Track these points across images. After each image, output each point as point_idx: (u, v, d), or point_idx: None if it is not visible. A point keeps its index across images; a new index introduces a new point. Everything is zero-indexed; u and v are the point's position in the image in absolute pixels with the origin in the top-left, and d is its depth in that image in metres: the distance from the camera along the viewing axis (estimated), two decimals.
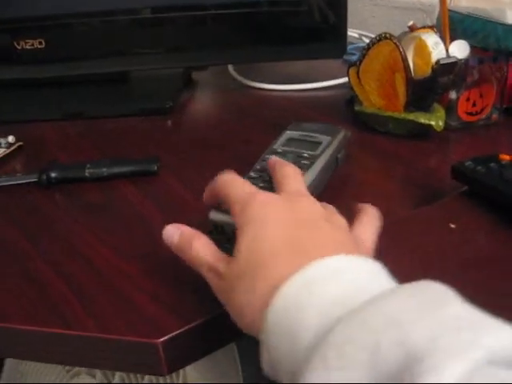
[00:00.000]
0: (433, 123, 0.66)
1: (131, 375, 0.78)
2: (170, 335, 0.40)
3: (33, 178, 0.62)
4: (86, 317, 0.43)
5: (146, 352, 0.41)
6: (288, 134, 0.58)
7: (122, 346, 0.41)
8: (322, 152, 0.55)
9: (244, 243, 0.38)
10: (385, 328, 0.28)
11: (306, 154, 0.54)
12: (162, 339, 0.40)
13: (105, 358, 0.43)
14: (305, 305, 0.32)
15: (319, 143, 0.56)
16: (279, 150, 0.55)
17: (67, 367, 0.85)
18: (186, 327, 0.41)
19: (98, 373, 0.82)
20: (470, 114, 0.71)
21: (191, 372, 0.72)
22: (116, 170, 0.62)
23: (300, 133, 0.58)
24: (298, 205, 0.41)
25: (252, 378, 0.73)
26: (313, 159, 0.54)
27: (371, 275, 0.34)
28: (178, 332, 0.40)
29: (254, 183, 0.45)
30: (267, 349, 0.34)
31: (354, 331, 0.29)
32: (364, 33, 1.06)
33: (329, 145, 0.56)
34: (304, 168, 0.52)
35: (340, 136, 0.58)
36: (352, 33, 1.04)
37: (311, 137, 0.57)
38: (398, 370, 0.26)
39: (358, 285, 0.33)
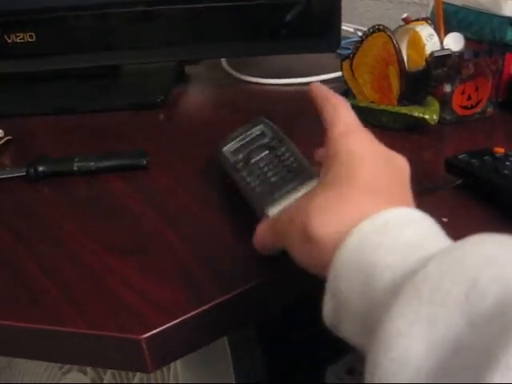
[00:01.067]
0: (427, 117, 0.65)
1: (122, 373, 0.78)
2: (154, 331, 0.39)
3: (21, 172, 0.61)
4: (71, 313, 0.42)
5: (129, 348, 0.40)
6: (226, 149, 0.56)
7: (107, 342, 0.40)
8: (274, 135, 0.54)
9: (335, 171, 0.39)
10: (482, 265, 0.27)
11: (266, 140, 0.53)
12: (145, 335, 0.39)
13: (89, 354, 0.42)
14: (383, 245, 0.32)
15: (261, 133, 0.55)
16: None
17: (59, 364, 0.84)
18: (171, 323, 0.40)
19: (89, 370, 0.82)
20: (465, 107, 0.70)
21: (183, 371, 0.71)
22: (105, 163, 0.61)
23: (235, 141, 0.56)
24: (377, 143, 0.43)
25: (244, 377, 0.73)
26: (280, 142, 0.53)
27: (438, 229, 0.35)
28: (162, 328, 0.40)
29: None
30: (334, 292, 0.33)
31: (450, 268, 0.28)
32: (359, 27, 1.04)
33: (270, 128, 0.55)
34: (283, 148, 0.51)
35: (264, 121, 0.56)
36: (347, 27, 1.03)
37: (248, 135, 0.55)
38: (495, 306, 0.26)
39: (434, 231, 0.34)
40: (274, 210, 0.45)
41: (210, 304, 0.41)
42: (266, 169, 0.50)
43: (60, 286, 0.45)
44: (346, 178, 0.38)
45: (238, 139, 0.55)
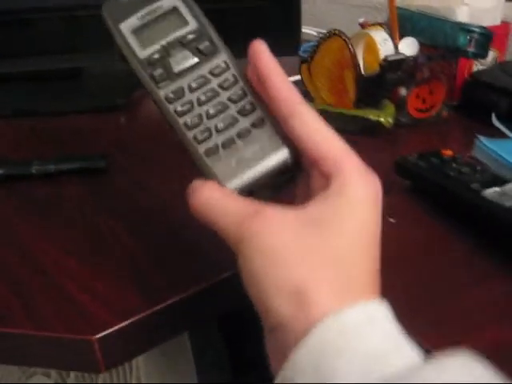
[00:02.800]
0: (382, 119, 0.67)
1: (86, 375, 0.78)
2: (106, 332, 0.40)
3: None
4: (22, 314, 0.42)
5: (81, 349, 0.40)
6: (124, 25, 0.40)
7: (58, 343, 0.41)
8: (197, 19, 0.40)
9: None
10: None
11: (188, 32, 0.39)
12: (97, 336, 0.39)
13: (42, 356, 0.42)
14: (344, 352, 0.29)
15: (174, 11, 0.40)
16: (154, 58, 0.39)
17: (23, 368, 0.84)
18: (123, 323, 0.40)
19: (53, 372, 0.82)
20: (420, 110, 0.72)
21: (145, 371, 0.71)
22: (63, 166, 0.61)
23: (137, 14, 0.40)
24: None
25: (206, 376, 0.74)
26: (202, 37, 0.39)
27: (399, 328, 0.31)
28: (114, 328, 0.40)
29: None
30: (287, 380, 0.30)
31: None
32: (322, 30, 1.06)
33: (191, 9, 0.40)
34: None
35: None
36: (309, 30, 1.05)
37: (156, 11, 0.40)
38: None
39: (397, 334, 0.31)
40: (233, 185, 0.36)
41: (162, 304, 0.42)
42: (203, 97, 0.38)
43: (12, 287, 0.45)
44: (334, 235, 0.32)
45: (138, 13, 0.40)
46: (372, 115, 0.67)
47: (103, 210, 0.55)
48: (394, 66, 0.65)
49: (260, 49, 0.38)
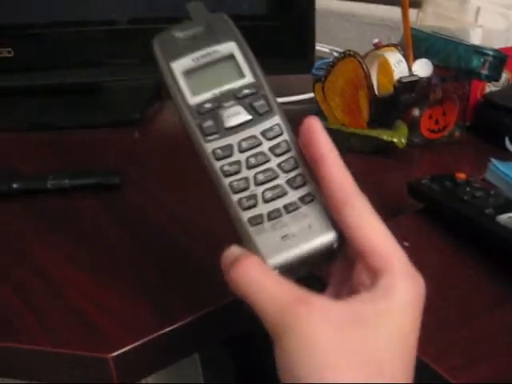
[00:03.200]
0: (395, 140, 0.67)
1: None
2: (122, 350, 0.40)
3: None
4: (38, 330, 0.43)
5: (97, 366, 0.41)
6: (177, 65, 0.37)
7: (74, 360, 0.41)
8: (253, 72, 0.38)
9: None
10: None
11: (243, 87, 0.37)
12: (113, 354, 0.40)
13: (56, 372, 0.43)
14: None
15: (230, 59, 0.38)
16: (203, 110, 0.37)
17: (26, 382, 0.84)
18: (138, 342, 0.41)
19: None
20: (433, 131, 0.72)
21: (152, 379, 0.72)
22: (78, 181, 0.62)
23: (192, 55, 0.38)
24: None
25: (212, 378, 0.74)
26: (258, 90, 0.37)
27: None
28: (129, 347, 0.41)
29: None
30: None
31: None
32: (335, 48, 1.07)
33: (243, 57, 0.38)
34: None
35: (234, 29, 0.40)
36: (323, 48, 1.05)
37: (210, 56, 0.38)
38: None
39: None
40: (276, 260, 0.34)
41: (178, 324, 0.42)
42: (252, 160, 0.36)
43: (28, 304, 0.45)
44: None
45: (193, 54, 0.38)
46: (385, 135, 0.67)
47: (117, 226, 0.56)
48: (408, 88, 0.65)
49: (314, 126, 0.36)
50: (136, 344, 0.41)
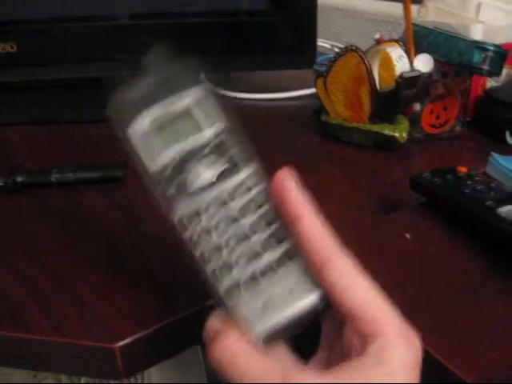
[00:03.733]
0: (397, 135, 0.68)
1: (97, 380, 0.78)
2: (128, 340, 0.41)
3: None
4: (43, 321, 0.43)
5: (103, 357, 0.41)
6: (132, 131, 0.34)
7: (80, 350, 0.42)
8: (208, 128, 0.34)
9: None
10: None
11: (209, 137, 0.34)
12: (119, 344, 0.40)
13: (62, 362, 0.43)
14: None
15: (189, 113, 0.34)
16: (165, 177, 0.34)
17: (33, 372, 0.85)
18: (143, 332, 0.41)
19: (64, 378, 0.82)
20: (434, 126, 0.73)
21: (155, 372, 0.72)
22: (82, 175, 0.63)
23: (148, 114, 0.34)
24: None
25: (216, 376, 0.74)
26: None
27: None
28: (135, 337, 0.41)
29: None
30: None
31: None
32: (336, 44, 1.07)
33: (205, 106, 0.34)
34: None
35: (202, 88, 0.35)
36: (324, 43, 1.06)
37: (168, 110, 0.34)
38: None
39: None
40: (260, 331, 0.32)
41: (182, 314, 0.43)
42: (221, 224, 0.33)
43: (34, 296, 0.46)
44: None
45: (150, 111, 0.34)
46: (387, 130, 0.68)
47: (121, 219, 0.56)
48: (410, 83, 0.66)
49: (287, 184, 0.33)
50: (141, 334, 0.41)
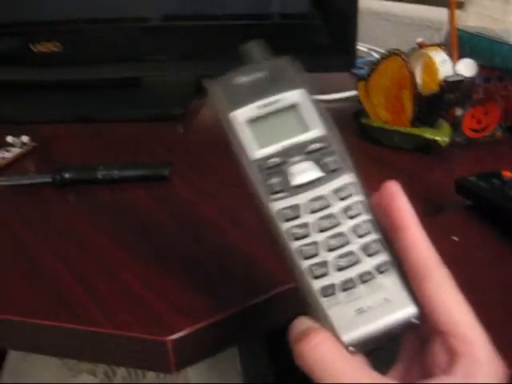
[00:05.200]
0: (438, 138, 0.68)
1: (133, 375, 0.80)
2: (180, 334, 0.42)
3: (47, 178, 0.64)
4: (97, 313, 0.44)
5: (155, 349, 0.42)
6: (237, 114, 0.35)
7: (133, 342, 0.43)
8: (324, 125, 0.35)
9: None
10: None
11: (313, 141, 0.34)
12: (171, 337, 0.41)
13: (115, 353, 0.44)
14: None
15: (296, 110, 0.35)
16: (268, 166, 0.34)
17: (69, 365, 0.86)
18: (196, 327, 0.42)
19: (99, 372, 0.84)
20: (475, 130, 0.73)
21: (193, 372, 0.73)
22: (128, 173, 0.64)
23: (255, 103, 0.35)
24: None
25: (253, 377, 0.75)
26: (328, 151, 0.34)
27: None
28: (187, 331, 0.42)
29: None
30: None
31: None
32: (373, 47, 1.07)
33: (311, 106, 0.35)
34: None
35: (304, 77, 0.37)
36: (361, 47, 1.06)
37: (275, 104, 0.35)
38: None
39: None
40: (351, 337, 0.32)
41: (233, 311, 0.43)
42: (323, 223, 0.33)
43: (87, 288, 0.47)
44: None
45: (257, 103, 0.35)
46: (428, 134, 0.68)
47: (168, 217, 0.57)
48: (453, 87, 0.66)
49: (396, 192, 0.34)
50: (193, 329, 0.42)
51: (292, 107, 0.35)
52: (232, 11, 0.85)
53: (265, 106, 0.35)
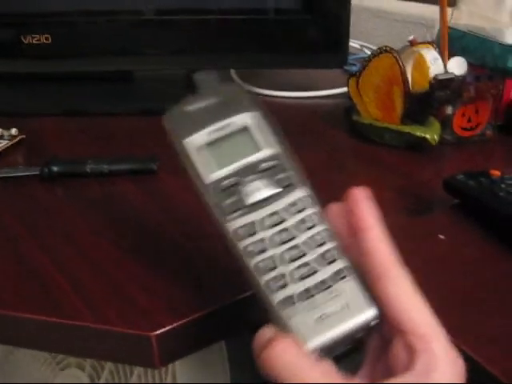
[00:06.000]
0: (428, 136, 0.68)
1: (120, 369, 0.79)
2: (164, 329, 0.41)
3: (35, 171, 0.63)
4: (81, 307, 0.44)
5: (139, 344, 0.42)
6: (190, 141, 0.36)
7: (116, 336, 0.42)
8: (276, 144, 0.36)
9: None
10: None
11: (263, 160, 0.36)
12: (156, 332, 0.41)
13: (98, 348, 0.44)
14: None
15: (247, 132, 0.37)
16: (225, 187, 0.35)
17: (57, 359, 0.86)
18: (180, 321, 0.42)
19: (87, 366, 0.83)
20: (465, 129, 0.73)
21: (180, 371, 0.73)
22: (116, 166, 0.64)
23: (206, 130, 0.36)
24: None
25: (240, 378, 0.75)
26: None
27: None
28: (172, 326, 0.42)
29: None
30: None
31: None
32: (365, 44, 1.07)
33: (262, 127, 0.37)
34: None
35: (253, 109, 0.37)
36: (353, 43, 1.06)
37: (226, 128, 0.36)
38: None
39: None
40: (314, 344, 0.32)
41: (220, 305, 0.43)
42: (276, 238, 0.34)
43: (72, 282, 0.47)
44: None
45: (208, 128, 0.36)
46: (418, 131, 0.68)
47: (156, 210, 0.57)
48: (444, 85, 0.66)
49: (361, 195, 0.35)
50: (178, 323, 0.42)
51: (243, 129, 0.36)
52: (227, 6, 0.85)
53: (217, 130, 0.36)
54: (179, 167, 0.65)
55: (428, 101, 0.68)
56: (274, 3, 0.86)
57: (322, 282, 0.33)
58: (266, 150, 0.36)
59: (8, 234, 0.54)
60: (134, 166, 0.64)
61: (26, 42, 0.85)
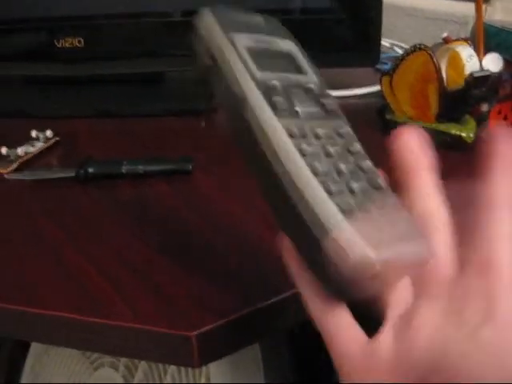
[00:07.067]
0: (464, 134, 0.67)
1: (154, 370, 0.80)
2: (204, 329, 0.42)
3: (70, 173, 0.64)
4: (121, 306, 0.44)
5: (179, 344, 0.42)
6: (238, 37, 0.33)
7: (156, 336, 0.43)
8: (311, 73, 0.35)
9: None
10: None
11: (308, 83, 0.34)
12: (196, 332, 0.41)
13: (137, 347, 0.44)
14: None
15: (291, 56, 0.35)
16: (270, 83, 0.32)
17: (91, 358, 0.87)
18: (219, 322, 0.42)
19: (121, 366, 0.84)
20: None
21: (214, 372, 0.73)
22: (152, 167, 0.64)
23: (252, 36, 0.34)
24: None
25: (274, 378, 0.75)
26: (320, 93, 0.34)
27: None
28: (211, 326, 0.42)
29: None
30: None
31: None
32: (396, 42, 1.07)
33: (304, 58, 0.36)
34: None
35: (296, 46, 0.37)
36: (384, 42, 1.05)
37: (271, 44, 0.35)
38: None
39: None
40: (381, 255, 0.28)
41: (258, 306, 0.43)
42: (330, 149, 0.31)
43: (110, 282, 0.47)
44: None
45: (254, 35, 0.34)
46: (454, 130, 0.68)
47: (192, 211, 0.57)
48: (480, 83, 0.65)
49: (415, 136, 0.35)
50: (217, 324, 0.42)
51: (288, 54, 0.35)
52: (253, 5, 0.85)
53: (263, 42, 0.34)
54: (214, 167, 0.66)
55: (463, 98, 0.67)
56: (303, 2, 0.86)
57: (379, 200, 0.31)
58: (311, 76, 0.35)
59: (44, 235, 0.55)
60: (170, 167, 0.64)
61: (59, 45, 0.86)
